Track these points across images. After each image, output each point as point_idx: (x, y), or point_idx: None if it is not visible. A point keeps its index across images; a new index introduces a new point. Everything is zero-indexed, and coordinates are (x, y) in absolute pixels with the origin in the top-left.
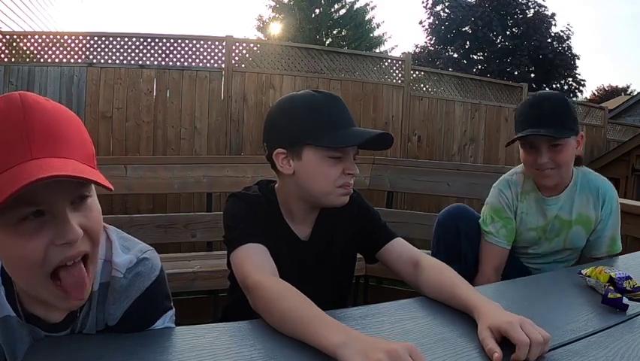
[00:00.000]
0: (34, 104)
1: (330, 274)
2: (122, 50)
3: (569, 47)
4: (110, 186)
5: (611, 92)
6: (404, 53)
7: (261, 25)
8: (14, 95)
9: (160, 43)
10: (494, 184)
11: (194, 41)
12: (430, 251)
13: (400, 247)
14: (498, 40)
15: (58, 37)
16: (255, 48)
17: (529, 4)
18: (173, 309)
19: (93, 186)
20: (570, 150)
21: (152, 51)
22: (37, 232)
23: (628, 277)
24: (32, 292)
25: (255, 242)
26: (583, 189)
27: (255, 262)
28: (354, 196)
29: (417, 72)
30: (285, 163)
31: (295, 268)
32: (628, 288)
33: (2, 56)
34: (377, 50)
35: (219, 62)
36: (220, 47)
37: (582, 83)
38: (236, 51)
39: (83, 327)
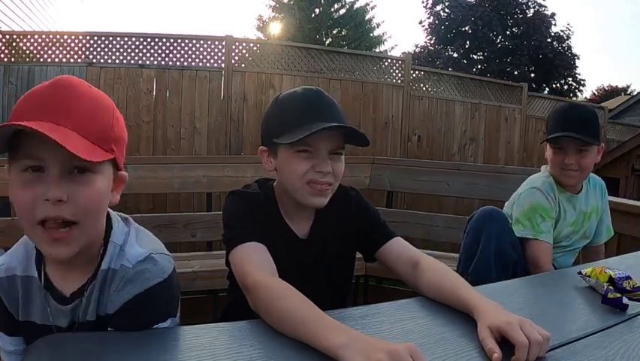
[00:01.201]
0: (66, 84)
1: (328, 274)
2: (121, 50)
3: (569, 47)
4: (86, 157)
5: (611, 92)
6: (404, 52)
7: (261, 25)
8: (60, 77)
9: (160, 43)
10: (534, 185)
11: (194, 41)
12: (430, 251)
13: (399, 247)
14: (498, 40)
15: (58, 37)
16: (255, 48)
17: (529, 3)
18: (177, 319)
19: (107, 168)
20: (593, 157)
21: (152, 51)
22: (31, 184)
23: (628, 277)
24: (28, 235)
25: (254, 241)
26: (592, 184)
27: (254, 261)
28: (352, 195)
29: (417, 72)
30: (268, 161)
31: (293, 267)
32: (628, 288)
33: (2, 55)
34: (377, 50)
35: (219, 61)
36: (220, 47)
37: (582, 83)
38: (236, 51)
39: (87, 305)
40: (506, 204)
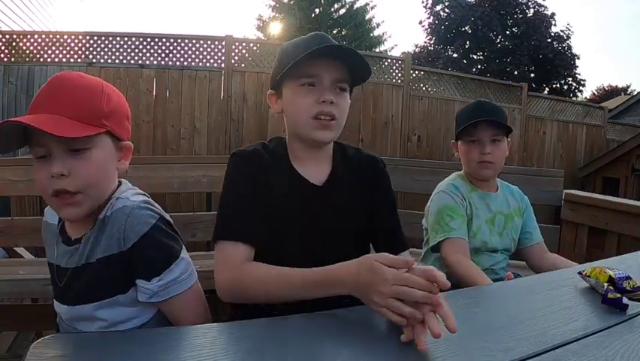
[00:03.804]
0: (59, 79)
1: (349, 223)
2: (121, 50)
3: (569, 47)
4: (58, 133)
5: (611, 92)
6: (404, 52)
7: (261, 25)
8: (57, 74)
9: (160, 43)
10: (437, 191)
11: (194, 41)
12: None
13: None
14: (498, 40)
15: (58, 36)
16: (255, 48)
17: (529, 3)
18: (182, 257)
19: (105, 141)
20: (504, 149)
21: (152, 51)
22: (43, 166)
23: (628, 277)
24: (48, 204)
25: (234, 240)
26: (507, 189)
27: (228, 264)
28: (380, 167)
29: (417, 72)
30: (274, 103)
31: (309, 215)
32: (628, 288)
33: (2, 55)
34: (377, 50)
35: (219, 61)
36: (220, 47)
37: (582, 83)
38: (236, 51)
39: (84, 249)
40: (422, 221)
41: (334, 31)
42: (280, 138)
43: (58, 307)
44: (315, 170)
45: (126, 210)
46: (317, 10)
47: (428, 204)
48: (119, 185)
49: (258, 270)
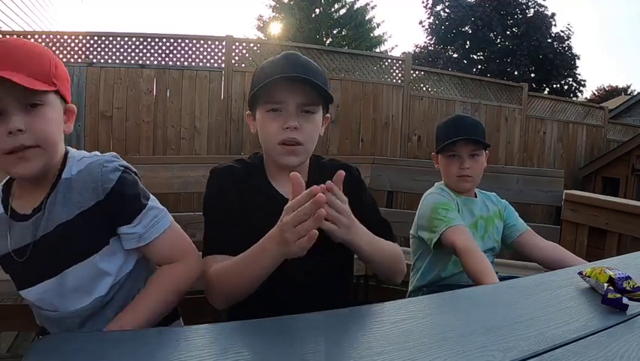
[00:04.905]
0: (6, 40)
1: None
2: (122, 50)
3: (569, 47)
4: (20, 82)
5: (611, 92)
6: (404, 52)
7: (261, 25)
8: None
9: (160, 43)
10: (425, 195)
11: (194, 41)
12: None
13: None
14: (498, 40)
15: (58, 37)
16: (255, 48)
17: (529, 4)
18: (153, 198)
19: (55, 100)
20: (483, 162)
21: (152, 51)
22: None
23: (628, 277)
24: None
25: (216, 253)
26: (484, 195)
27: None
28: (355, 174)
29: (417, 72)
30: (251, 123)
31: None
32: (628, 288)
33: None
34: (377, 50)
35: (219, 61)
36: (220, 47)
37: (582, 83)
38: (236, 51)
39: (49, 214)
40: (410, 232)
41: (334, 31)
42: (257, 152)
43: (32, 292)
44: (289, 184)
45: (99, 161)
46: (317, 10)
47: (416, 215)
48: (67, 151)
49: (213, 273)
